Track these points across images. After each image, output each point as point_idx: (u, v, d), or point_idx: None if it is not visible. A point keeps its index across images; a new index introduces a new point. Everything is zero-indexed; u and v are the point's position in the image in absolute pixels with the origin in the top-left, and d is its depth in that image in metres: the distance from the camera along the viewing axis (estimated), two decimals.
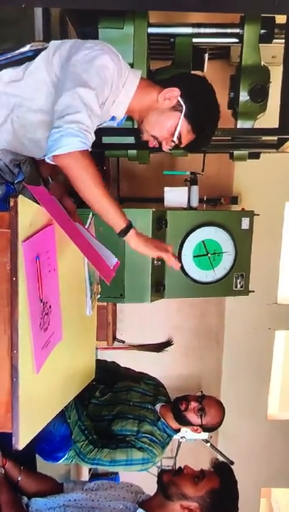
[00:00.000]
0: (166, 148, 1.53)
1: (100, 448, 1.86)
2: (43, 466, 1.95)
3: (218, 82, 1.63)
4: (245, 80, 2.45)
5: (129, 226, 1.36)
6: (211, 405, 1.97)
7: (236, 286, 2.88)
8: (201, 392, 2.02)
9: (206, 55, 2.75)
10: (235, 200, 4.10)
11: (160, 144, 1.52)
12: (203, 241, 2.76)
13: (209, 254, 2.78)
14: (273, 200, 4.09)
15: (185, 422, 1.96)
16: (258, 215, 2.86)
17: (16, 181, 1.60)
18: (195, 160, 3.03)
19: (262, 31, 2.40)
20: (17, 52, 1.41)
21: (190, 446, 3.67)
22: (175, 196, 2.85)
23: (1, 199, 1.53)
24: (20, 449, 1.13)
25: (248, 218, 2.82)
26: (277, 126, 2.49)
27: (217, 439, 4.04)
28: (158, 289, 2.73)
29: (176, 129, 1.47)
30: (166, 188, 2.85)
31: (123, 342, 4.35)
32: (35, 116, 1.42)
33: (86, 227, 1.65)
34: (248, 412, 4.52)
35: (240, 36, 2.45)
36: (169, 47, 2.57)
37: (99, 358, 2.51)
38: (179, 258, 2.75)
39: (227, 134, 2.59)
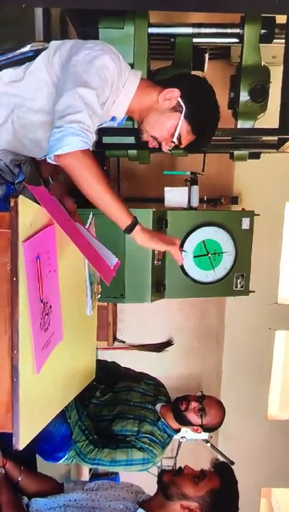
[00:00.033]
0: (165, 148, 1.53)
1: (100, 448, 1.86)
2: (43, 466, 1.95)
3: (218, 82, 1.64)
4: (245, 80, 2.45)
5: (135, 223, 1.36)
6: (211, 405, 1.97)
7: (236, 286, 2.88)
8: (202, 392, 2.02)
9: (207, 55, 2.75)
10: (235, 200, 4.11)
11: (160, 144, 1.52)
12: (203, 241, 2.76)
13: (209, 254, 2.78)
14: (273, 200, 4.09)
15: (185, 422, 1.96)
16: (259, 215, 2.86)
17: (16, 181, 1.60)
18: (195, 160, 3.03)
19: (262, 31, 2.40)
20: (17, 52, 1.41)
21: (190, 446, 3.67)
22: (175, 196, 2.85)
23: (2, 199, 1.53)
24: (21, 449, 1.13)
25: (249, 218, 2.82)
26: (277, 127, 2.49)
27: (217, 439, 4.04)
28: (158, 289, 2.73)
29: (175, 130, 1.47)
30: (166, 188, 2.85)
31: (123, 342, 4.35)
32: (36, 116, 1.42)
33: (86, 227, 1.65)
34: (248, 412, 4.52)
35: (240, 36, 2.45)
36: (170, 47, 2.57)
37: (99, 358, 2.51)
38: None
39: (227, 134, 2.59)
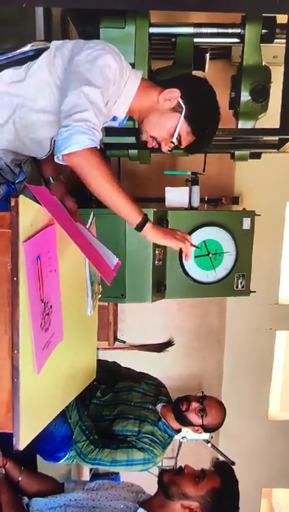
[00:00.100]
0: (165, 149, 1.52)
1: (100, 448, 1.86)
2: (43, 466, 1.95)
3: (219, 82, 1.63)
4: (246, 80, 2.44)
5: (145, 220, 1.36)
6: (212, 406, 1.97)
7: (237, 287, 2.88)
8: (202, 392, 2.02)
9: (208, 55, 2.75)
10: (236, 200, 4.11)
11: (159, 144, 1.52)
12: (204, 241, 2.76)
13: (210, 255, 2.78)
14: (274, 201, 4.09)
15: (186, 423, 1.96)
16: (259, 215, 2.86)
17: (17, 181, 1.60)
18: (196, 160, 3.02)
19: (263, 31, 2.40)
20: (18, 51, 1.41)
21: (191, 447, 3.66)
22: (176, 196, 2.84)
23: (2, 199, 1.52)
24: (21, 449, 1.13)
25: (249, 218, 2.82)
26: (278, 127, 2.49)
27: (218, 440, 4.03)
28: (159, 289, 2.73)
29: (175, 130, 1.46)
30: (167, 188, 2.85)
31: (124, 342, 4.35)
32: (38, 116, 1.42)
33: (87, 227, 1.65)
34: (249, 413, 4.52)
35: (241, 36, 2.45)
36: (170, 47, 2.57)
37: (100, 358, 2.50)
38: (180, 259, 2.75)
39: (228, 134, 2.59)
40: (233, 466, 1.64)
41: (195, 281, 2.80)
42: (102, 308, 3.66)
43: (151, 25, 2.41)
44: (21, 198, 1.08)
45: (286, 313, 4.42)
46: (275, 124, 2.50)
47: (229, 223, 2.79)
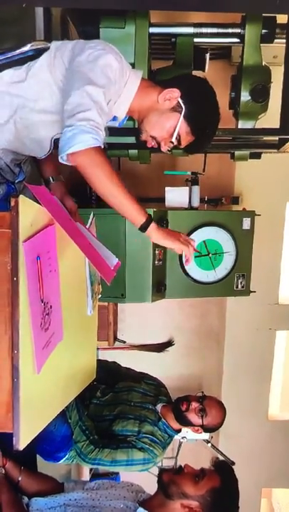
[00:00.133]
0: (164, 148, 1.52)
1: (100, 448, 1.86)
2: (43, 466, 1.95)
3: (219, 82, 1.63)
4: (246, 80, 2.44)
5: (149, 220, 1.35)
6: (212, 406, 1.96)
7: (237, 287, 2.88)
8: (202, 392, 2.02)
9: (208, 55, 2.75)
10: (236, 200, 4.11)
11: (159, 144, 1.52)
12: (204, 241, 2.76)
13: (210, 255, 2.78)
14: (274, 201, 4.09)
15: (186, 423, 1.96)
16: (259, 215, 2.86)
17: (16, 181, 1.60)
18: (196, 160, 3.03)
19: (263, 31, 2.40)
20: (18, 51, 1.41)
21: (191, 447, 3.66)
22: (176, 196, 2.84)
23: (2, 199, 1.52)
24: (21, 449, 1.13)
25: (249, 218, 2.82)
26: (278, 127, 2.49)
27: (218, 439, 4.03)
28: (159, 289, 2.73)
29: (175, 130, 1.46)
30: (167, 188, 2.85)
31: (124, 342, 4.35)
32: (39, 116, 1.42)
33: (87, 227, 1.65)
34: (249, 413, 4.52)
35: (241, 36, 2.45)
36: (170, 47, 2.57)
37: (100, 358, 2.50)
38: (180, 259, 2.75)
39: (228, 134, 2.59)
40: (233, 466, 1.64)
41: (195, 281, 2.80)
42: (102, 308, 3.66)
43: (151, 25, 2.41)
44: (21, 197, 1.07)
45: (286, 313, 4.42)
46: (275, 124, 2.50)
47: (229, 223, 2.79)
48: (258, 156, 2.94)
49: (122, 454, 1.85)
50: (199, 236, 2.74)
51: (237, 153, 2.82)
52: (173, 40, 2.52)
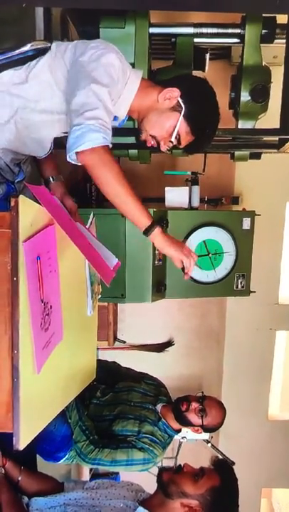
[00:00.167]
0: (164, 148, 1.52)
1: (100, 448, 1.86)
2: (43, 466, 1.95)
3: (219, 83, 1.63)
4: (246, 80, 2.44)
5: (154, 225, 1.34)
6: (211, 406, 1.97)
7: (237, 287, 2.88)
8: (202, 392, 2.02)
9: (207, 55, 2.75)
10: (236, 200, 4.10)
11: (158, 143, 1.52)
12: (204, 241, 2.76)
13: (210, 255, 2.78)
14: (274, 201, 4.09)
15: (186, 423, 1.96)
16: (259, 215, 2.86)
17: (16, 180, 1.60)
18: (196, 160, 3.02)
19: (263, 31, 2.39)
20: (18, 51, 1.41)
21: (191, 447, 3.67)
22: (176, 196, 2.84)
23: (2, 198, 1.52)
24: (21, 449, 1.13)
25: (249, 218, 2.82)
26: (278, 127, 2.49)
27: (218, 439, 4.03)
28: (159, 289, 2.73)
29: (174, 130, 1.46)
30: (167, 188, 2.84)
31: (124, 342, 4.35)
32: (40, 116, 1.42)
33: (87, 227, 1.65)
34: (249, 413, 4.52)
35: (241, 36, 2.45)
36: (170, 47, 2.56)
37: (100, 358, 2.51)
38: None
39: (228, 134, 2.58)
40: (233, 466, 1.64)
41: (195, 281, 2.79)
42: (102, 308, 3.66)
43: (151, 25, 2.41)
44: (21, 197, 1.08)
45: (286, 313, 4.42)
46: (275, 124, 2.49)
47: (229, 223, 2.79)
48: (257, 156, 2.94)
49: (122, 454, 1.85)
50: (199, 236, 2.74)
51: (237, 153, 2.81)
52: (173, 40, 2.51)
